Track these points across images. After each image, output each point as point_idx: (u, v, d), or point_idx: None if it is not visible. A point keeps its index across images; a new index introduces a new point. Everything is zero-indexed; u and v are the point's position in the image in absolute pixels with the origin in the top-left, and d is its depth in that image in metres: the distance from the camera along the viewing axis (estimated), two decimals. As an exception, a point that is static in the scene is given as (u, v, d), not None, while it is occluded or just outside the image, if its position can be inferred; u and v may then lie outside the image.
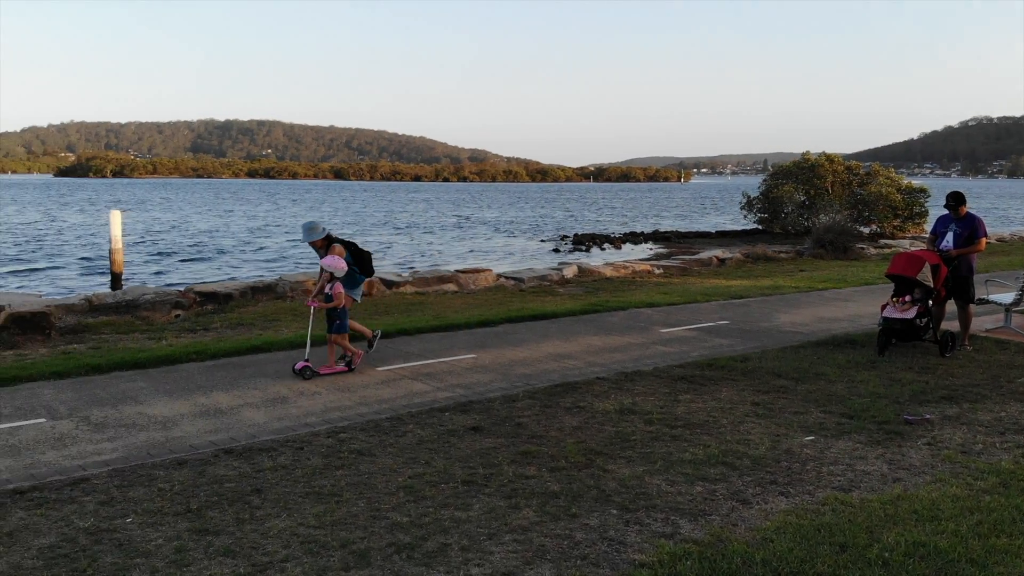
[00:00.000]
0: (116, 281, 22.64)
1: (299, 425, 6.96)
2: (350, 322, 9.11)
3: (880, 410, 7.33)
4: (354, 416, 7.24)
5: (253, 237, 41.71)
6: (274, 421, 7.06)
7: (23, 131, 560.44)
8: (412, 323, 11.57)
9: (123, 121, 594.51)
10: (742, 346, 10.48)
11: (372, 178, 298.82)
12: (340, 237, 9.25)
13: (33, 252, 32.51)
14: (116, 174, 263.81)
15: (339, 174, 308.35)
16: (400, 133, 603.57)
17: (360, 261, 9.21)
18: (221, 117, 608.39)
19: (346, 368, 8.76)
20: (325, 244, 8.96)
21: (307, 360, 8.50)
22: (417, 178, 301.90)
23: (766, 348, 10.29)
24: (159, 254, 32.59)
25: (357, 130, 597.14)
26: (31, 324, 10.08)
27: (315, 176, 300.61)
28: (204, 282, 18.08)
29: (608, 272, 19.30)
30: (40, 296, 12.17)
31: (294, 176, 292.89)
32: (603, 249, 36.85)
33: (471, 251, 36.65)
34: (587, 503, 5.25)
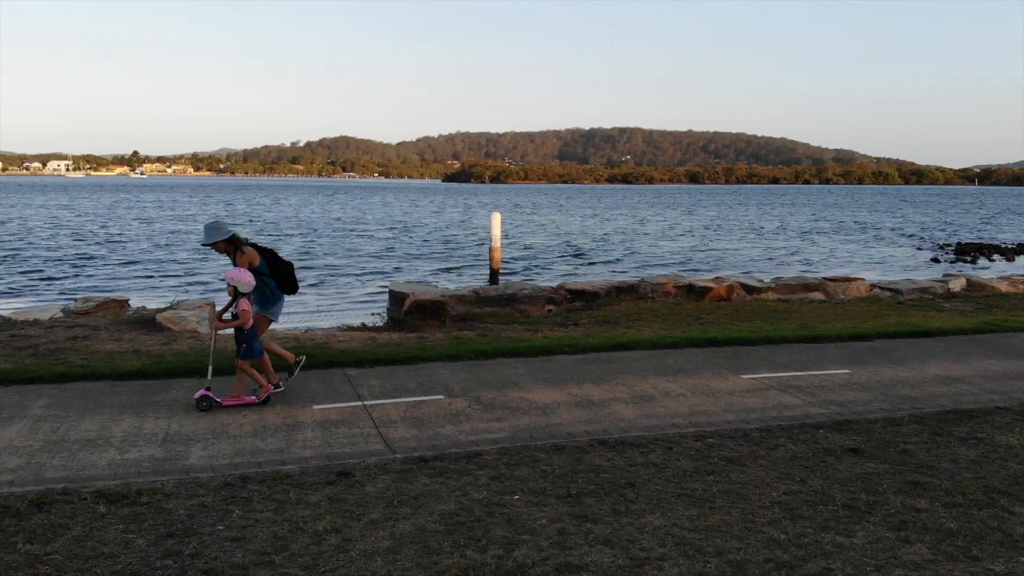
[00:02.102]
0: (494, 276, 24.89)
1: (666, 424, 7.04)
2: (269, 344, 7.88)
3: None
4: (720, 423, 7.14)
5: (616, 240, 43.20)
6: (642, 418, 7.22)
7: (418, 141, 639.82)
8: (776, 331, 11.14)
9: (501, 131, 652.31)
10: None
11: (727, 181, 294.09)
12: (255, 242, 7.79)
13: (437, 247, 36.80)
14: (493, 180, 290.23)
15: (694, 178, 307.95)
16: (759, 135, 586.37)
17: (278, 273, 7.72)
18: (586, 126, 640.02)
19: (255, 400, 7.41)
20: (232, 249, 7.56)
21: (207, 388, 7.28)
22: (775, 180, 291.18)
23: None
24: (539, 254, 35.01)
25: (715, 133, 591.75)
26: (430, 311, 11.44)
27: (670, 180, 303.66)
28: (574, 280, 19.16)
29: (1003, 287, 16.95)
30: (436, 286, 13.74)
31: (650, 181, 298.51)
32: (992, 260, 32.60)
33: (836, 257, 34.44)
34: (990, 546, 4.64)
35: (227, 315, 7.36)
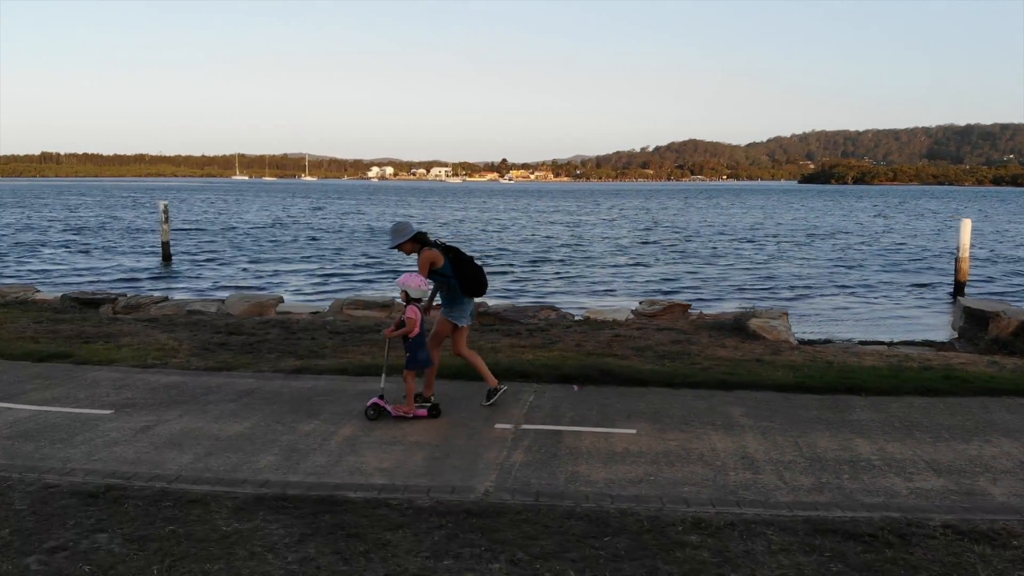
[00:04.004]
0: (959, 290, 22.39)
1: None
2: (474, 359, 7.40)
3: None
4: None
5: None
6: None
7: (768, 141, 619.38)
8: None
9: (860, 129, 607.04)
10: None
11: None
12: (438, 240, 7.24)
13: (878, 258, 34.19)
14: (856, 181, 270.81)
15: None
16: None
17: (464, 274, 7.10)
18: (961, 122, 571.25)
19: (426, 413, 7.00)
20: (418, 248, 7.09)
21: (380, 396, 6.99)
22: None
23: None
24: (1010, 265, 30.83)
25: None
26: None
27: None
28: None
29: None
30: (1011, 305, 12.24)
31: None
32: None
33: None
34: None
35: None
